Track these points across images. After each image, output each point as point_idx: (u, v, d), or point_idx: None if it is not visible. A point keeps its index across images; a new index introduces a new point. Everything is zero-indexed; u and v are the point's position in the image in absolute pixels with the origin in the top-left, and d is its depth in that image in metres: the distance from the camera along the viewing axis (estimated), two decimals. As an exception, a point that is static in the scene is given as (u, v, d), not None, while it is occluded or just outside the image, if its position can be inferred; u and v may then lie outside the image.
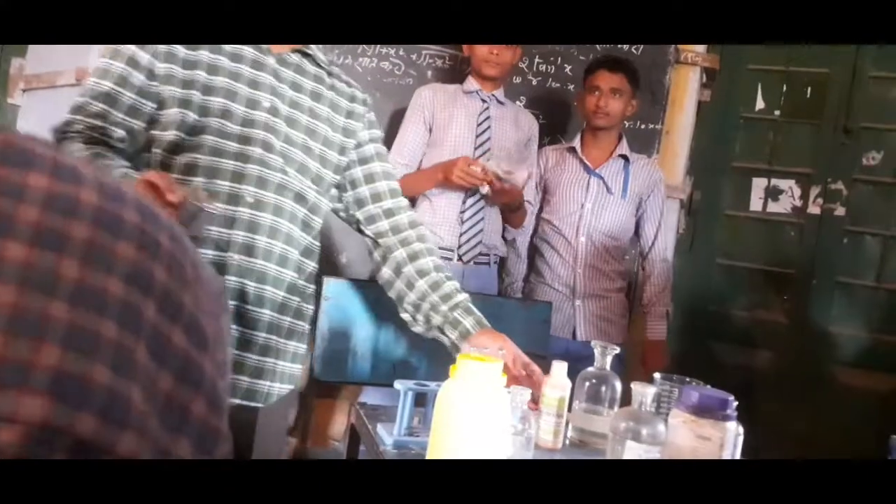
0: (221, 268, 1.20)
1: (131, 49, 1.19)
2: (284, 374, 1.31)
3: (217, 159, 1.20)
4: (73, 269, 0.26)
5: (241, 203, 1.21)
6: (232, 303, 1.22)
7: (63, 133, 1.16)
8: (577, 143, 2.30)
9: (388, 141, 2.20)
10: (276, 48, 1.27)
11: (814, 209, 2.65)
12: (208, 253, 1.20)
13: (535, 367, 1.28)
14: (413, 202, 2.20)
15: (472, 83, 2.18)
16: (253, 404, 1.26)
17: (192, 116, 1.18)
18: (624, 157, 2.28)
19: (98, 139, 1.16)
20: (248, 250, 1.22)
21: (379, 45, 2.39)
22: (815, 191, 2.65)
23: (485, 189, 2.00)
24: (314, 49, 1.33)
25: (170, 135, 1.19)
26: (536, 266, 2.34)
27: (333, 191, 1.38)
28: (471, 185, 1.99)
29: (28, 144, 0.28)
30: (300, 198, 1.28)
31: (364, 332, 1.66)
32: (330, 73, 1.36)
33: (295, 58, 1.30)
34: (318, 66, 1.34)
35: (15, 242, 0.25)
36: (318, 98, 1.32)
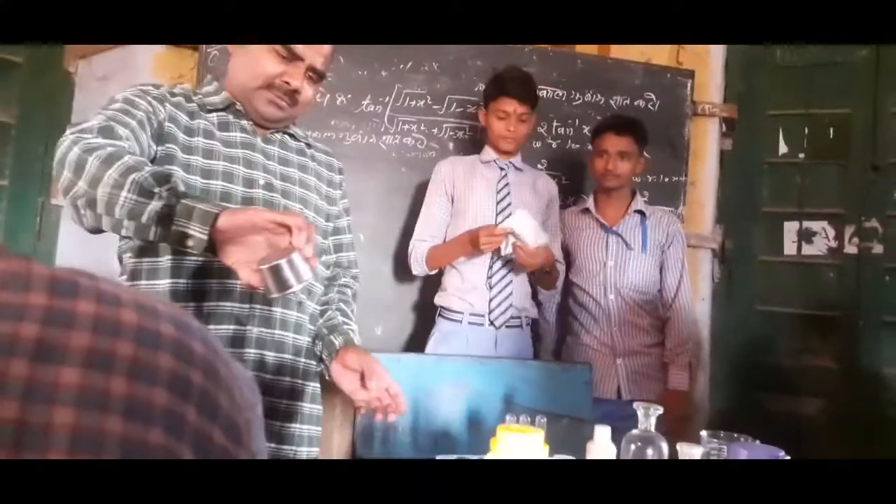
0: (241, 341, 1.24)
1: (152, 98, 1.22)
2: (304, 438, 1.35)
3: None
4: (121, 385, 0.28)
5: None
6: (253, 373, 1.25)
7: (80, 137, 1.08)
8: (590, 203, 2.32)
9: (414, 214, 2.25)
10: (259, 130, 1.35)
11: (850, 249, 2.61)
12: (230, 328, 1.23)
13: (400, 395, 1.24)
14: (440, 271, 2.23)
15: (489, 153, 2.23)
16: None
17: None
18: (640, 212, 2.30)
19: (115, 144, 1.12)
20: (266, 322, 1.26)
21: (401, 123, 2.47)
22: (849, 230, 2.61)
23: (509, 250, 2.02)
24: (293, 127, 1.41)
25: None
26: (571, 327, 2.33)
27: None
28: (496, 246, 2.02)
29: (72, 276, 0.31)
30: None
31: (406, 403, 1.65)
32: (309, 145, 1.43)
33: (277, 136, 1.37)
34: (297, 140, 1.41)
35: (70, 367, 0.28)
36: (305, 169, 1.39)
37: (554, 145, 2.58)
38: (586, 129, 2.58)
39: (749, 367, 2.68)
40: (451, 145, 2.50)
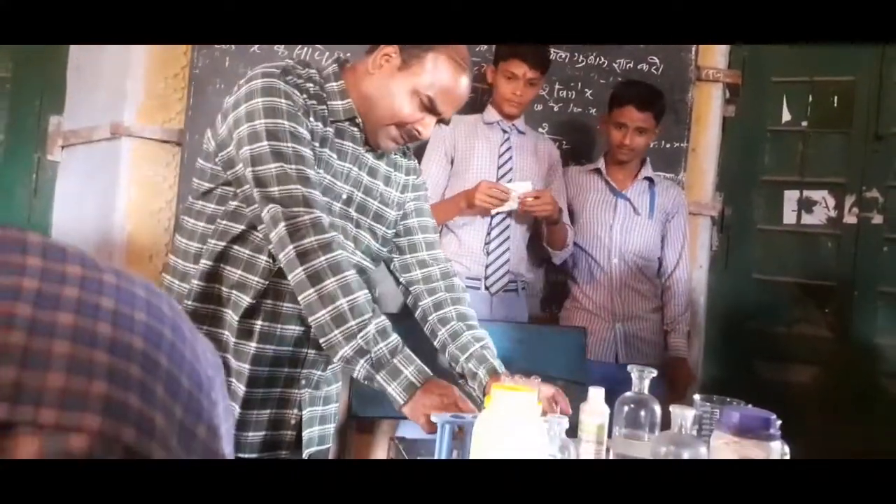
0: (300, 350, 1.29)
1: (301, 119, 1.19)
2: (332, 415, 1.40)
3: None
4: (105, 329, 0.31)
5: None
6: (308, 370, 1.30)
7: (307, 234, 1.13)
8: (601, 164, 2.30)
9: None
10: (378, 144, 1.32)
11: (850, 219, 2.60)
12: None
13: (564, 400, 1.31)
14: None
15: (492, 113, 2.20)
16: (325, 447, 1.37)
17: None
18: (649, 178, 2.28)
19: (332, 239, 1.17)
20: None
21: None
22: (849, 200, 2.60)
23: (514, 205, 2.00)
24: None
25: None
26: (571, 291, 2.33)
27: None
28: (493, 206, 2.00)
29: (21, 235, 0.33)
30: (361, 271, 1.33)
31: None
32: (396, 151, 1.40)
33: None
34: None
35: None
36: (388, 182, 1.37)
37: (556, 108, 2.55)
38: (589, 93, 2.55)
39: (744, 335, 2.69)
40: (451, 107, 2.47)
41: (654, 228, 2.27)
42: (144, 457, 0.28)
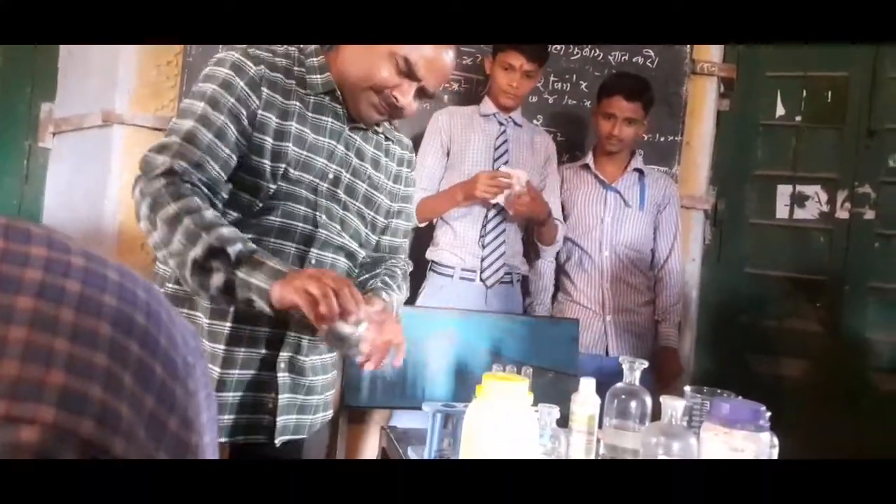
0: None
1: (244, 87, 1.18)
2: (327, 404, 1.37)
3: (288, 221, 1.23)
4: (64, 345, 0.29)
5: (305, 264, 1.25)
6: (289, 354, 1.27)
7: (161, 176, 1.10)
8: (589, 159, 2.30)
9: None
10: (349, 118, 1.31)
11: (842, 214, 2.61)
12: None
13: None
14: (431, 225, 2.21)
15: (489, 105, 2.19)
16: (300, 437, 1.31)
17: (272, 187, 1.21)
18: (638, 170, 2.29)
19: (197, 190, 1.13)
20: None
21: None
22: (842, 195, 2.61)
23: (504, 195, 2.00)
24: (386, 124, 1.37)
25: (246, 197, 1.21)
26: (563, 285, 2.34)
27: None
28: (495, 193, 1.99)
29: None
30: (350, 255, 1.33)
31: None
32: (387, 138, 1.39)
33: (362, 126, 1.33)
34: (378, 133, 1.37)
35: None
36: (377, 166, 1.36)
37: (550, 100, 2.55)
38: (583, 85, 2.55)
39: (736, 328, 2.71)
40: (446, 97, 2.46)
41: (646, 220, 2.28)
42: (105, 450, 0.27)
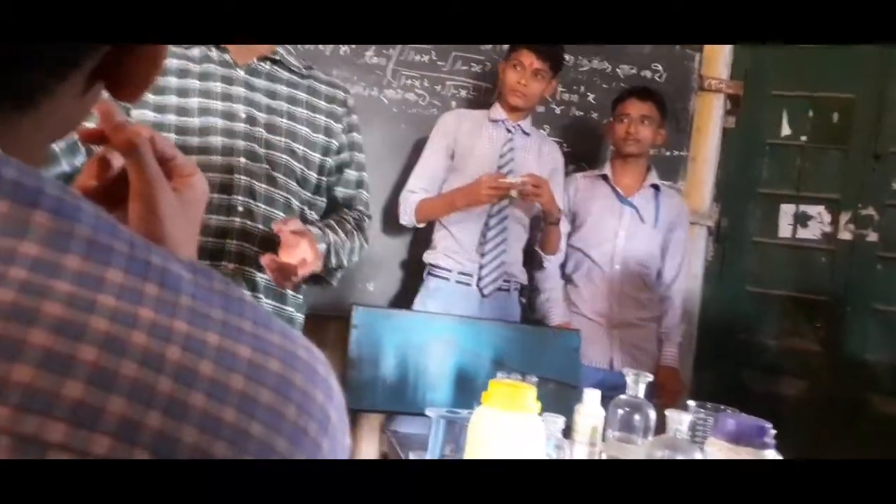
0: (220, 254, 1.25)
1: None
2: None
3: (205, 174, 1.22)
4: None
5: (233, 213, 1.24)
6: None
7: None
8: (607, 170, 2.29)
9: (412, 168, 2.22)
10: (241, 59, 1.30)
11: (845, 235, 2.61)
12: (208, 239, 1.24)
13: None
14: (430, 227, 2.19)
15: (498, 111, 2.17)
16: None
17: (171, 137, 1.20)
18: (655, 186, 2.28)
19: None
20: (241, 259, 1.24)
21: (404, 77, 2.42)
22: (845, 216, 2.61)
23: (513, 193, 1.98)
24: (283, 55, 1.35)
25: None
26: (569, 296, 2.32)
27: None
28: (500, 196, 1.98)
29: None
30: (287, 207, 1.31)
31: (393, 359, 1.65)
32: (303, 76, 1.38)
33: (266, 66, 1.33)
34: (291, 71, 1.36)
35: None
36: (294, 101, 1.35)
37: (558, 111, 2.55)
38: (591, 97, 2.55)
39: (735, 346, 2.70)
40: (453, 104, 2.46)
41: (657, 238, 2.27)
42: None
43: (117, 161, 0.50)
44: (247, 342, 0.28)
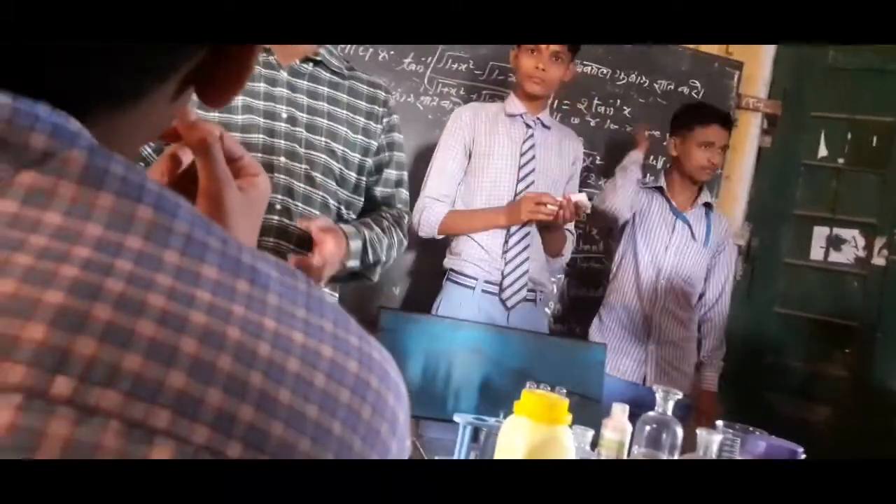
0: None
1: None
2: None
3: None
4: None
5: (272, 211, 1.25)
6: None
7: None
8: (662, 182, 2.26)
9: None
10: (285, 60, 1.32)
11: (879, 260, 2.57)
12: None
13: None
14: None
15: (515, 104, 2.04)
16: None
17: None
18: (707, 205, 2.26)
19: None
20: (278, 256, 1.26)
21: (441, 85, 2.44)
22: (880, 242, 2.58)
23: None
24: (325, 56, 1.36)
25: None
26: (610, 303, 2.28)
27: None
28: (542, 217, 1.92)
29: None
30: (325, 207, 1.32)
31: (420, 364, 1.66)
32: (345, 77, 1.39)
33: (308, 67, 1.34)
34: (332, 72, 1.37)
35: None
36: (336, 102, 1.36)
37: (592, 123, 2.55)
38: (627, 111, 2.55)
39: (762, 367, 2.67)
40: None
41: (705, 257, 2.24)
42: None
43: (186, 158, 0.51)
44: (328, 342, 0.29)
